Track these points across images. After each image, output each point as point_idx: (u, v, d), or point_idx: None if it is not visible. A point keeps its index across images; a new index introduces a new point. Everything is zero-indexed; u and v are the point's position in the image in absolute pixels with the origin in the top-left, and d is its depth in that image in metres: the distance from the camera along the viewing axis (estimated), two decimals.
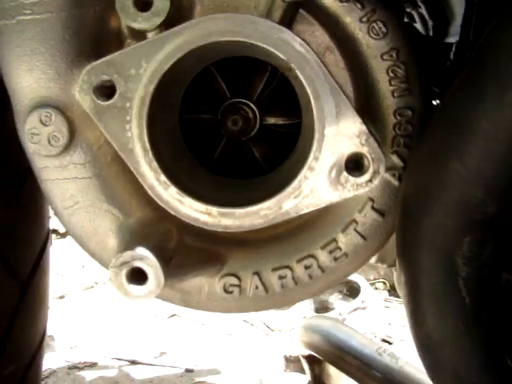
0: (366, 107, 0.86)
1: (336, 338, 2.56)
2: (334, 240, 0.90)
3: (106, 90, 0.80)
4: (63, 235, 4.66)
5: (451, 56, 1.37)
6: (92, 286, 4.60)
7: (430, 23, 1.65)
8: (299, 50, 0.75)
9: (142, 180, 0.81)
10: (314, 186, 0.79)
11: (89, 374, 3.46)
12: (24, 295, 1.26)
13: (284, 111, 0.97)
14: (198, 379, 3.44)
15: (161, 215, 0.87)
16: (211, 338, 4.00)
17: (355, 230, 0.89)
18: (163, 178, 0.80)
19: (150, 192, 0.81)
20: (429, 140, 0.75)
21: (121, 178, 0.87)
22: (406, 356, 2.69)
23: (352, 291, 3.43)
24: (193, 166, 0.93)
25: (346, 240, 0.90)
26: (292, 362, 3.68)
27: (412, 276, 0.78)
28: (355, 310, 3.28)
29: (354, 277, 3.46)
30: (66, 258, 4.58)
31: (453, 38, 1.55)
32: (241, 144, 0.97)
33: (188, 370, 3.52)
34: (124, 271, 0.75)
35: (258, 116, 0.95)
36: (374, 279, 4.61)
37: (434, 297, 0.75)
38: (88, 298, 4.47)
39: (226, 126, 0.96)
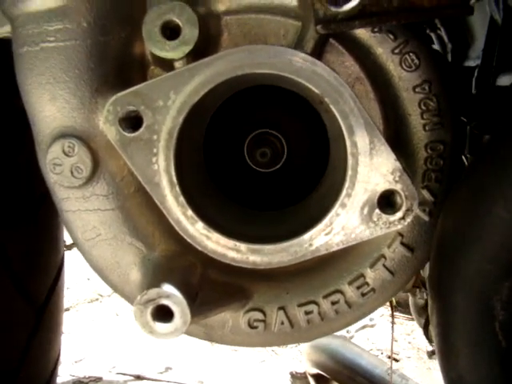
0: (396, 140, 0.84)
1: (345, 358, 2.54)
2: (362, 275, 0.88)
3: (131, 121, 0.78)
4: (68, 247, 4.64)
5: (473, 82, 1.35)
6: (97, 299, 4.58)
7: (449, 46, 1.63)
8: (334, 84, 0.73)
9: (167, 214, 0.78)
10: (346, 223, 0.76)
11: None
12: (39, 321, 1.24)
13: (310, 141, 0.95)
14: None
15: (185, 248, 0.84)
16: (217, 354, 3.97)
17: (384, 265, 0.87)
18: (190, 212, 0.77)
19: (176, 227, 0.79)
20: (471, 181, 0.73)
21: (144, 209, 0.85)
22: (412, 373, 2.66)
23: None
24: (218, 199, 0.91)
25: (374, 275, 0.88)
26: (298, 379, 3.64)
27: (446, 317, 0.75)
28: (363, 327, 3.24)
29: None
30: (71, 271, 4.56)
31: (472, 62, 1.53)
32: (266, 174, 0.95)
33: None
34: (149, 309, 0.73)
35: (285, 147, 0.93)
36: None
37: (469, 339, 0.73)
38: (93, 311, 4.45)
39: (254, 158, 0.94)
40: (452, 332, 0.75)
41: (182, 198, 0.77)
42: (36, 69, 0.81)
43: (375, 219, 0.76)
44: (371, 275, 0.88)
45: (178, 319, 0.73)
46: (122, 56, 0.84)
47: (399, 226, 0.76)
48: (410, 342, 4.25)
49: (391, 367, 2.33)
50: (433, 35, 1.62)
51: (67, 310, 4.39)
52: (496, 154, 0.71)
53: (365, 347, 3.51)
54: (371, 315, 3.35)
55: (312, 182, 0.93)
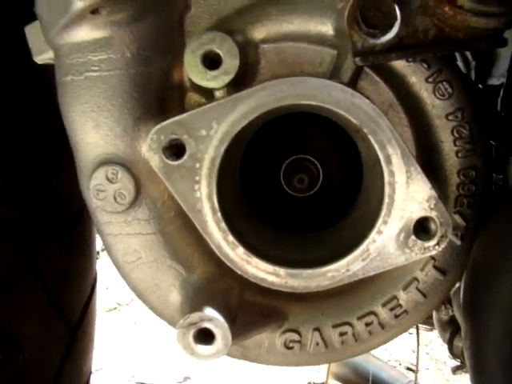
0: (429, 166, 0.86)
1: (366, 370, 2.54)
2: (395, 297, 0.90)
3: (174, 150, 0.80)
4: None
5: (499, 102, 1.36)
6: (115, 308, 4.61)
7: (473, 63, 1.65)
8: (372, 115, 0.75)
9: (209, 239, 0.81)
10: (382, 249, 0.79)
11: None
12: (73, 339, 1.26)
13: (344, 167, 0.97)
14: None
15: (223, 270, 0.87)
16: (236, 364, 3.98)
17: (416, 287, 0.89)
18: (231, 238, 0.80)
19: (217, 251, 0.81)
20: (505, 214, 0.76)
21: (184, 233, 0.88)
22: None
23: None
24: (255, 222, 0.94)
25: (406, 297, 0.90)
26: None
27: (479, 341, 0.77)
28: None
29: None
30: None
31: (496, 80, 1.54)
32: (301, 198, 0.98)
33: None
34: (192, 332, 0.76)
35: (321, 173, 0.96)
36: None
37: (503, 366, 0.75)
38: (111, 320, 4.48)
39: (291, 184, 0.96)
40: (486, 358, 0.77)
41: (223, 224, 0.80)
42: (80, 97, 0.84)
43: (411, 245, 0.78)
44: (404, 297, 0.90)
45: (219, 342, 0.76)
46: (163, 84, 0.86)
47: (434, 252, 0.79)
48: (428, 353, 4.24)
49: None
50: (456, 53, 1.64)
51: None
52: None
53: (383, 358, 3.51)
54: None
55: (345, 206, 0.95)
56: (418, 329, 1.78)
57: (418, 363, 2.41)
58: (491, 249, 0.76)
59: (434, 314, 1.70)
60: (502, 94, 1.37)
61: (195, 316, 0.76)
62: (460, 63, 1.71)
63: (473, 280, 0.78)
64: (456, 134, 0.87)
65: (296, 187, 0.96)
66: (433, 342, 4.16)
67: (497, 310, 0.73)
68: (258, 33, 0.87)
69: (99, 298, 4.65)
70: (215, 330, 0.76)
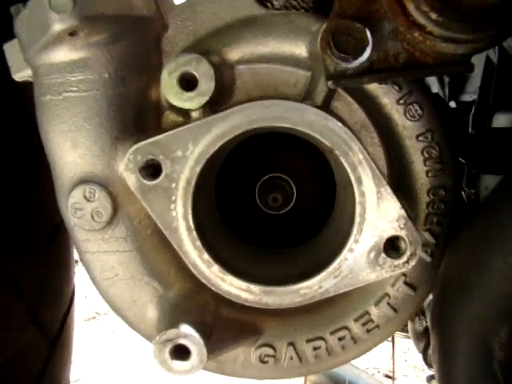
0: (400, 185, 0.89)
1: (343, 379, 2.57)
2: (367, 313, 0.92)
3: (151, 170, 0.82)
4: None
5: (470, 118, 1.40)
6: (94, 317, 4.59)
7: (447, 80, 1.69)
8: (344, 138, 0.77)
9: (184, 258, 0.83)
10: (353, 267, 0.81)
11: None
12: (52, 352, 1.27)
13: (318, 185, 0.99)
14: None
15: (199, 287, 0.89)
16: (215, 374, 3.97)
17: (388, 303, 0.92)
18: (206, 256, 0.82)
19: (192, 269, 0.83)
20: (472, 232, 0.78)
21: (160, 250, 0.89)
22: None
23: None
24: (231, 240, 0.95)
25: (378, 313, 0.92)
26: None
27: (448, 354, 0.80)
28: None
29: None
30: None
31: (469, 96, 1.58)
32: (276, 216, 1.00)
33: None
34: (168, 348, 0.78)
35: (295, 191, 0.98)
36: None
37: (470, 376, 0.77)
38: (90, 329, 4.46)
39: (266, 202, 0.98)
40: (453, 370, 0.79)
41: (198, 243, 0.81)
42: (58, 117, 0.85)
43: (381, 263, 0.81)
44: (376, 313, 0.92)
45: (195, 358, 0.78)
46: (140, 104, 0.88)
47: (403, 269, 0.81)
48: (406, 360, 4.28)
49: None
50: None
51: None
52: (493, 211, 0.76)
53: (361, 365, 3.53)
54: None
55: (319, 223, 0.97)
56: (393, 339, 1.81)
57: (394, 370, 2.44)
58: (461, 263, 0.78)
59: (410, 324, 1.73)
60: (473, 110, 1.41)
61: (172, 333, 0.78)
62: (435, 79, 1.75)
63: (442, 294, 0.81)
64: (426, 155, 0.89)
65: (270, 205, 0.98)
66: (411, 349, 4.20)
67: (465, 323, 0.76)
68: (234, 54, 0.89)
69: (78, 308, 4.63)
70: (191, 347, 0.77)
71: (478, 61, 1.40)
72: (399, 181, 0.89)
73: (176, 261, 0.88)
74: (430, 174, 0.90)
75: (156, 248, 0.89)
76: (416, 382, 3.87)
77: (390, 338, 4.62)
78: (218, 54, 0.88)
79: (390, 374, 3.92)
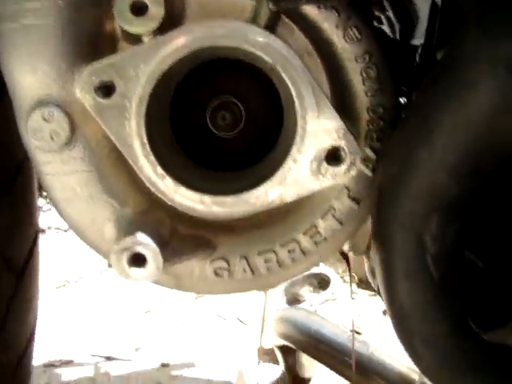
0: (343, 105, 0.95)
1: (309, 328, 2.65)
2: (315, 226, 0.98)
3: (105, 89, 0.87)
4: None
5: (417, 57, 1.46)
6: (64, 285, 4.61)
7: (397, 26, 1.75)
8: (284, 54, 0.83)
9: (139, 172, 0.88)
10: (298, 177, 0.87)
11: (65, 372, 3.49)
12: (19, 285, 1.31)
13: (266, 108, 1.05)
14: (173, 373, 3.50)
15: (155, 205, 0.94)
16: (185, 334, 4.06)
17: (333, 216, 0.98)
18: (159, 169, 0.87)
19: (147, 183, 0.88)
20: (400, 133, 0.85)
21: (117, 170, 0.94)
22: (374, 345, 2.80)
23: (322, 284, 3.53)
24: (184, 160, 1.00)
25: (324, 226, 0.98)
26: (265, 354, 3.75)
27: (386, 255, 0.87)
28: (325, 301, 3.37)
29: (324, 270, 3.56)
30: None
31: (418, 41, 1.65)
32: (227, 139, 1.05)
33: (164, 365, 3.58)
34: (125, 256, 0.83)
35: (243, 112, 1.03)
36: (343, 272, 4.73)
37: (406, 272, 0.84)
38: (61, 297, 4.48)
39: (215, 123, 1.03)
40: (391, 267, 0.86)
41: (152, 157, 0.87)
42: (16, 44, 0.89)
43: (323, 172, 0.87)
44: (322, 226, 0.98)
45: (151, 265, 0.83)
46: (95, 31, 0.92)
47: (344, 178, 0.88)
48: (371, 317, 4.40)
49: (353, 335, 2.46)
50: (382, 16, 1.74)
51: None
52: (419, 107, 0.83)
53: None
54: (332, 289, 3.49)
55: (268, 146, 1.03)
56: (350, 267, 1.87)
57: (353, 325, 2.53)
58: (392, 164, 0.84)
59: (366, 262, 1.81)
60: (420, 50, 1.47)
61: (128, 240, 0.83)
62: (386, 26, 1.81)
63: (378, 200, 0.87)
64: (364, 75, 0.95)
65: (220, 126, 1.03)
66: (377, 306, 4.32)
67: (399, 221, 0.82)
68: None
69: (48, 276, 4.64)
70: (147, 254, 0.83)
71: (425, 6, 1.46)
72: (342, 101, 0.95)
73: (133, 180, 0.94)
74: (368, 94, 0.96)
75: (113, 168, 0.94)
76: (381, 335, 3.98)
77: (356, 296, 4.75)
78: None
79: (358, 330, 4.03)
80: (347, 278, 4.87)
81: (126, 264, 0.83)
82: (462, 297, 0.85)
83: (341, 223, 0.98)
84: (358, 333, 3.95)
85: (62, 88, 0.90)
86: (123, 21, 0.87)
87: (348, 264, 1.30)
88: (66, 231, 4.73)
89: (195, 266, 0.98)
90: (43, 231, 4.48)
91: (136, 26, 0.87)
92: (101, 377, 3.45)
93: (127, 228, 0.90)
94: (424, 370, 0.92)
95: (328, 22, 0.94)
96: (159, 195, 0.89)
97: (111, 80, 0.86)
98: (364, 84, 0.96)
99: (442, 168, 0.77)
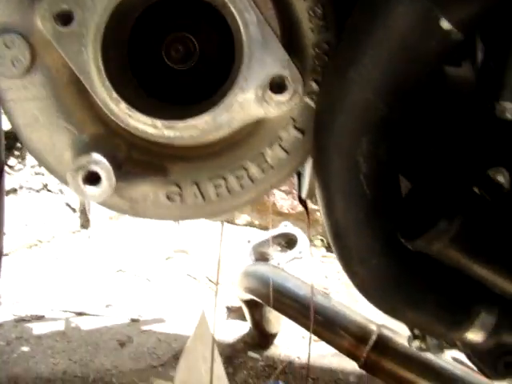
0: (290, 41, 1.01)
1: (273, 282, 2.73)
2: (262, 154, 1.05)
3: (64, 18, 0.92)
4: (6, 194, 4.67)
5: None
6: (36, 245, 4.65)
7: None
8: None
9: (96, 97, 0.94)
10: (244, 104, 0.94)
11: (36, 326, 3.55)
12: None
13: (219, 43, 1.10)
14: (143, 328, 3.59)
15: (111, 131, 1.01)
16: (155, 292, 4.14)
17: (279, 145, 1.05)
18: (115, 95, 0.93)
19: (103, 108, 0.94)
20: (333, 59, 0.92)
21: (76, 98, 1.00)
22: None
23: (290, 243, 3.62)
24: (140, 92, 1.06)
25: (271, 154, 1.05)
26: (233, 312, 3.85)
27: (324, 177, 0.94)
28: (292, 259, 3.47)
29: (292, 230, 3.65)
30: (8, 217, 4.60)
31: None
32: (182, 73, 1.11)
33: (134, 320, 3.66)
34: (80, 174, 0.89)
35: (197, 47, 1.09)
36: (312, 236, 4.83)
37: (342, 192, 0.92)
38: (33, 256, 4.52)
39: (170, 56, 1.09)
40: (329, 188, 0.93)
41: (107, 83, 0.93)
42: None
43: (268, 99, 0.94)
44: (270, 154, 1.05)
45: (104, 182, 0.89)
46: None
47: (288, 106, 0.95)
48: (339, 279, 4.51)
49: (312, 286, 2.55)
50: None
51: (6, 255, 4.45)
52: (347, 32, 0.90)
53: None
54: (300, 248, 3.58)
55: (222, 79, 1.09)
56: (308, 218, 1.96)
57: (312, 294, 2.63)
58: (329, 90, 0.91)
59: None
60: None
61: (83, 159, 0.89)
62: None
63: (316, 126, 0.94)
64: (311, 13, 1.02)
65: (174, 58, 1.08)
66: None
67: (334, 144, 0.89)
68: None
69: (19, 236, 4.65)
70: (101, 172, 0.89)
71: None
72: (290, 38, 1.01)
73: (91, 108, 1.00)
74: (314, 31, 1.02)
75: (72, 95, 1.00)
76: (348, 297, 4.09)
77: (324, 260, 4.87)
78: None
79: (324, 290, 4.14)
80: (317, 242, 4.99)
81: (81, 182, 0.89)
82: (392, 215, 0.93)
83: (287, 152, 1.05)
84: (324, 293, 4.07)
85: (23, 16, 0.95)
86: None
87: (306, 211, 1.37)
88: (38, 191, 4.74)
89: (149, 191, 1.05)
90: (15, 191, 4.48)
91: None
92: (72, 331, 3.52)
93: (84, 150, 0.96)
94: (358, 287, 1.00)
95: None
96: (115, 119, 0.95)
97: (70, 9, 0.91)
98: (311, 22, 1.02)
99: (370, 87, 0.84)
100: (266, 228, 4.92)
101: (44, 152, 1.02)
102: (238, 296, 3.20)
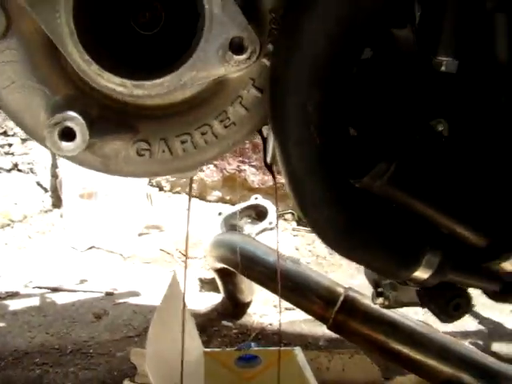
0: (249, 6, 1.09)
1: (242, 249, 2.82)
2: (225, 111, 1.14)
3: None
4: None
5: None
6: (8, 224, 4.68)
7: None
8: None
9: (69, 59, 1.01)
10: (206, 63, 1.02)
11: (12, 303, 3.61)
12: None
13: (185, 12, 1.17)
14: (118, 301, 3.67)
15: (84, 92, 1.08)
16: (129, 267, 4.21)
17: (240, 103, 1.13)
18: (87, 57, 1.00)
19: (76, 69, 1.02)
20: (287, 13, 1.01)
21: (50, 60, 1.07)
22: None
23: (260, 215, 3.71)
24: (110, 57, 1.13)
25: (233, 111, 1.14)
26: (206, 284, 3.94)
27: (279, 129, 1.03)
28: (263, 230, 3.55)
29: (262, 202, 3.73)
30: None
31: None
32: (149, 37, 1.18)
33: (108, 294, 3.74)
34: (57, 130, 0.97)
35: (163, 13, 1.16)
36: (283, 210, 4.95)
37: (295, 140, 1.01)
38: (5, 235, 4.55)
39: (137, 22, 1.16)
40: (283, 136, 1.02)
41: (79, 45, 1.00)
42: None
43: (228, 59, 1.02)
44: (231, 111, 1.13)
45: (79, 138, 0.97)
46: None
47: (247, 65, 1.03)
48: (310, 251, 4.64)
49: (277, 252, 2.65)
50: None
51: None
52: None
53: None
54: (270, 220, 3.68)
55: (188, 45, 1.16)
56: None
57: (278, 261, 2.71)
58: (281, 43, 1.00)
59: None
60: None
61: (59, 116, 0.97)
62: None
63: (271, 84, 1.03)
64: None
65: (141, 23, 1.16)
66: (315, 241, 4.56)
67: (287, 96, 0.98)
68: None
69: None
70: (75, 128, 0.97)
71: None
72: (248, 2, 1.09)
73: (63, 68, 1.07)
74: None
75: (46, 58, 1.07)
76: (318, 268, 4.22)
77: (296, 233, 4.98)
78: None
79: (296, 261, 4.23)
80: (287, 216, 5.10)
81: (58, 138, 0.97)
82: (342, 161, 1.02)
83: (247, 109, 1.14)
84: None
85: None
86: None
87: (273, 175, 1.46)
88: (8, 171, 4.76)
89: (120, 148, 1.13)
90: None
91: None
92: (47, 306, 3.58)
93: (58, 110, 1.03)
94: (315, 231, 1.10)
95: None
96: (87, 80, 1.03)
97: None
98: None
99: (322, 35, 0.93)
100: (237, 203, 5.02)
101: (20, 112, 1.09)
102: (210, 266, 3.29)
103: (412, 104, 1.05)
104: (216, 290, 3.64)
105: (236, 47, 1.02)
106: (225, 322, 3.46)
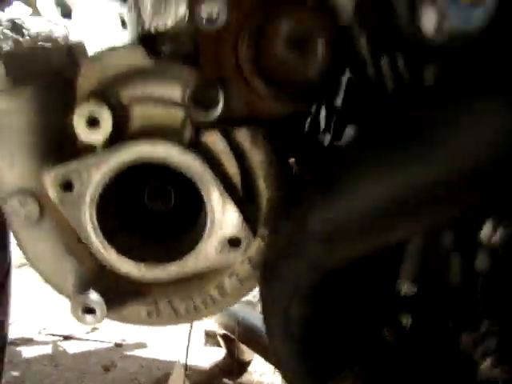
0: (249, 196, 1.25)
1: (247, 321, 2.99)
2: (222, 283, 1.31)
3: (67, 186, 1.17)
4: None
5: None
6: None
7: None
8: (198, 170, 1.15)
9: (91, 247, 1.20)
10: (207, 255, 1.21)
11: (25, 350, 3.75)
12: None
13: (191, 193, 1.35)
14: (126, 353, 3.81)
15: (103, 267, 1.27)
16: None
17: (236, 277, 1.30)
18: (107, 245, 1.19)
19: (97, 255, 1.21)
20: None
21: (76, 242, 1.26)
22: None
23: None
24: (127, 233, 1.31)
25: (229, 284, 1.30)
26: (211, 337, 4.07)
27: (268, 314, 1.20)
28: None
29: None
30: None
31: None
32: (161, 216, 1.37)
33: (117, 345, 3.87)
34: (80, 307, 1.16)
35: (172, 199, 1.35)
36: None
37: (279, 334, 1.18)
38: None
39: (152, 205, 1.35)
40: (270, 324, 1.20)
41: (101, 237, 1.19)
42: None
43: (226, 252, 1.21)
44: (228, 284, 1.29)
45: (99, 313, 1.16)
46: (60, 133, 1.21)
47: (242, 256, 1.21)
48: None
49: None
50: None
51: None
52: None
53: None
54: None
55: (194, 217, 1.35)
56: None
57: None
58: (270, 248, 1.18)
59: None
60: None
61: (82, 297, 1.16)
62: None
63: (262, 277, 1.20)
64: (266, 175, 1.25)
65: (155, 208, 1.35)
66: None
67: (274, 297, 1.15)
68: (127, 97, 1.21)
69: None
70: (96, 307, 1.16)
71: None
72: (248, 193, 1.26)
73: (87, 249, 1.25)
74: (269, 188, 1.25)
75: (73, 238, 1.25)
76: None
77: None
78: (114, 97, 1.21)
79: None
80: None
81: (81, 313, 1.16)
82: (318, 354, 1.19)
83: (241, 283, 1.31)
84: None
85: (33, 181, 1.20)
86: (79, 132, 1.17)
87: None
88: None
89: (135, 309, 1.32)
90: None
91: (89, 139, 1.17)
92: (59, 355, 3.73)
93: (83, 282, 1.22)
94: None
95: (241, 135, 1.23)
96: (106, 263, 1.22)
97: (71, 180, 1.16)
98: (265, 181, 1.26)
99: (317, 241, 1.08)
100: None
101: (51, 278, 1.30)
102: (216, 331, 3.46)
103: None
104: (219, 344, 3.77)
105: (233, 243, 1.21)
106: (226, 380, 3.59)
